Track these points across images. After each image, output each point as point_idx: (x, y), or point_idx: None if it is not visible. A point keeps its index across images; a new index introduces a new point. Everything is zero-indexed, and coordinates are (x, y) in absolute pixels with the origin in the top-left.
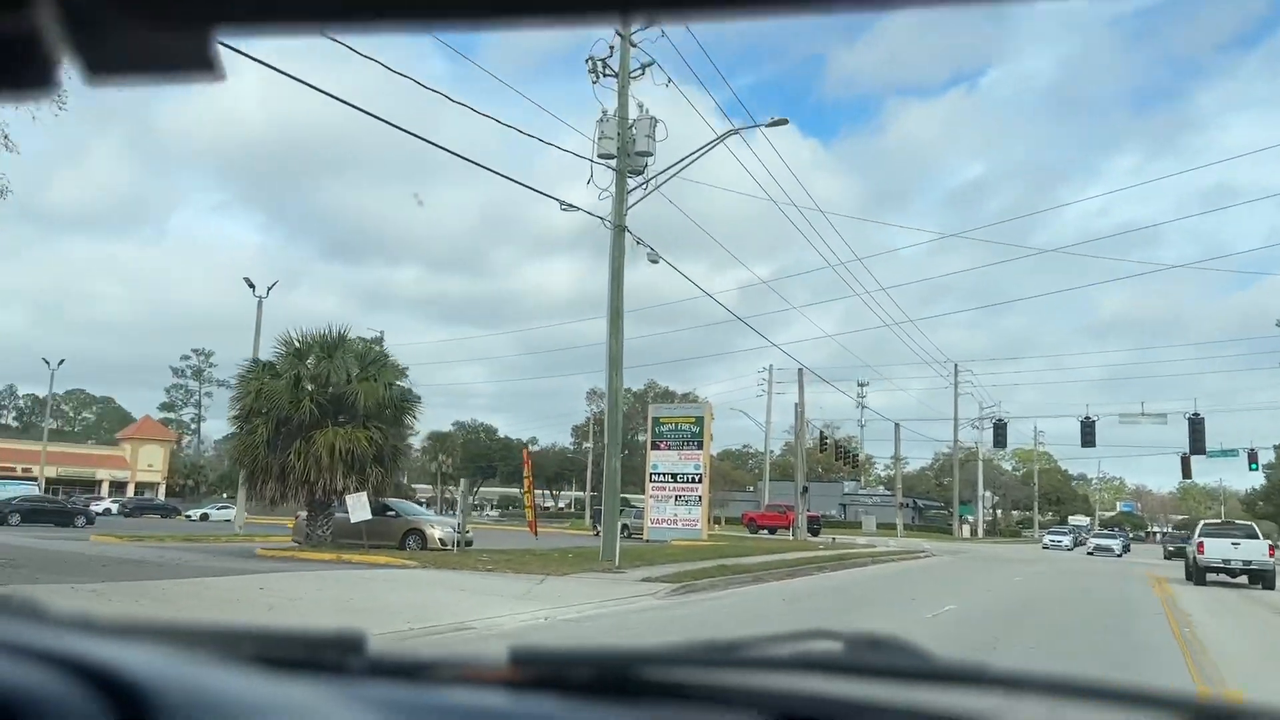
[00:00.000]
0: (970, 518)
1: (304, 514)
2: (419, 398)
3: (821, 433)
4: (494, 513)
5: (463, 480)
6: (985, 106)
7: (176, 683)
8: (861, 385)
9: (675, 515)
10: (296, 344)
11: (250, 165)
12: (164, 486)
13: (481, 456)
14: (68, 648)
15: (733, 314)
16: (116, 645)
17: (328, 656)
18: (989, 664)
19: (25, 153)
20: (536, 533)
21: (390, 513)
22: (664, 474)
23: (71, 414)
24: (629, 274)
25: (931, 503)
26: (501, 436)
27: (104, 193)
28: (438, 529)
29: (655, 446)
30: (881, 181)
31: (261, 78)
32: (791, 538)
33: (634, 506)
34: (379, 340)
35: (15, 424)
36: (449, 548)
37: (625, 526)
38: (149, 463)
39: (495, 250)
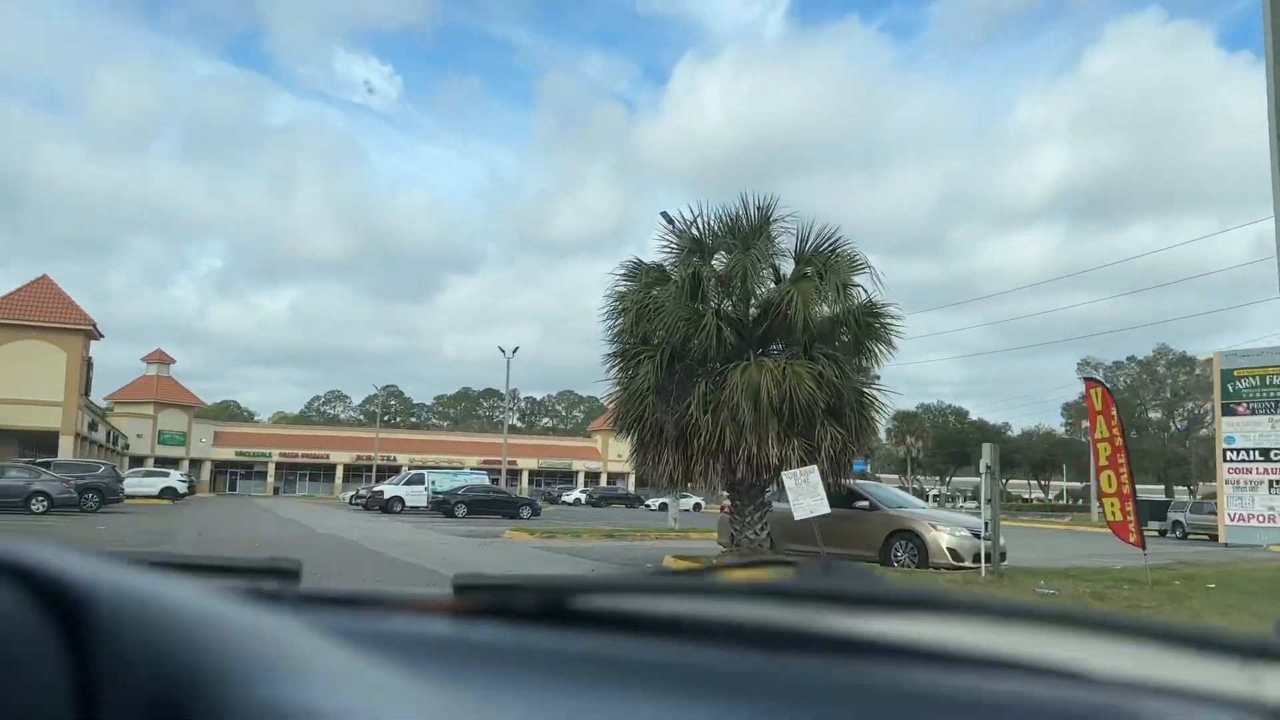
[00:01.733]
0: None
1: (727, 502)
2: (897, 312)
3: None
4: (970, 504)
5: (985, 447)
6: None
7: (117, 587)
8: None
9: (1271, 510)
10: (695, 232)
11: (716, 175)
12: (633, 476)
13: (951, 441)
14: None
15: None
16: (50, 551)
17: (264, 584)
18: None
19: (530, 193)
20: (1143, 542)
21: (861, 503)
22: (1246, 451)
23: (563, 412)
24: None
25: None
26: (975, 419)
27: (595, 218)
28: (945, 532)
29: (1229, 412)
30: None
31: (723, 93)
32: None
33: (1190, 500)
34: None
35: (520, 424)
36: (965, 563)
37: (1177, 524)
38: (618, 453)
39: (955, 229)
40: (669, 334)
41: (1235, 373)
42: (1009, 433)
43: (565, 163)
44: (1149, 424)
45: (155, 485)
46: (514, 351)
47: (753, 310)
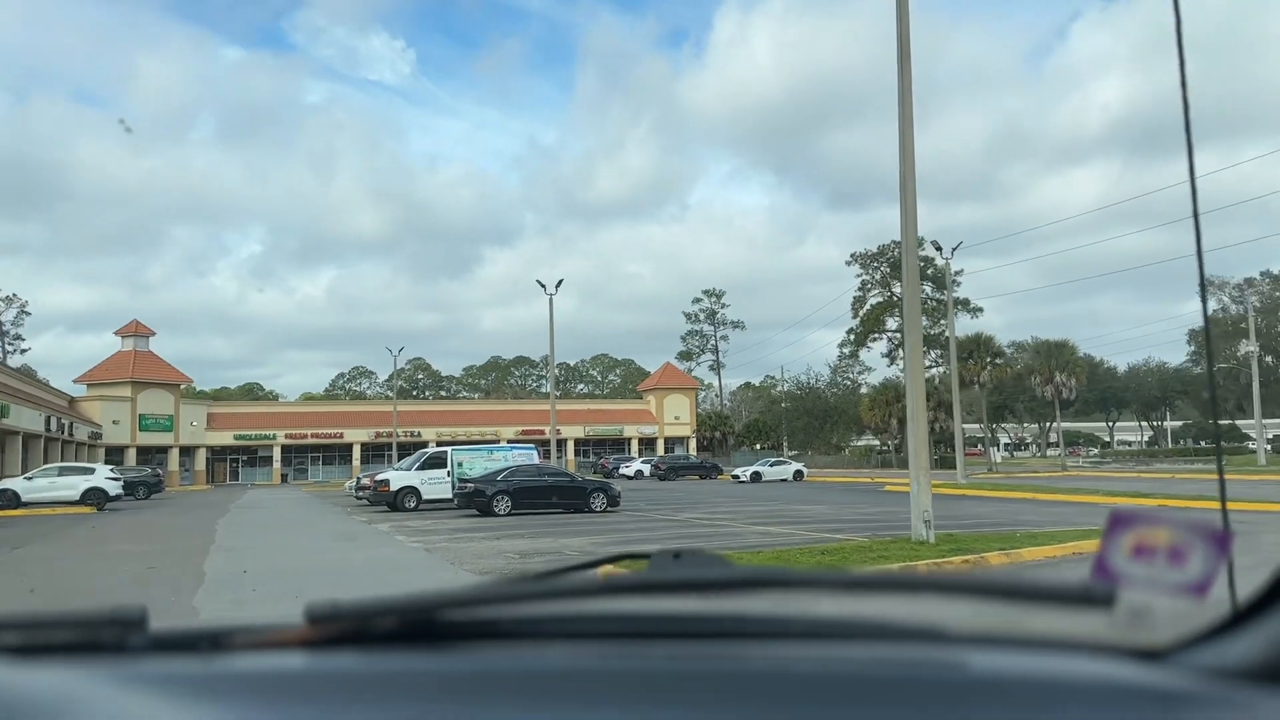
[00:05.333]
0: None
1: None
2: None
3: None
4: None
5: None
6: None
7: None
8: None
9: None
10: None
11: (762, 127)
12: (693, 441)
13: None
14: None
15: None
16: None
17: (105, 636)
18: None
19: (569, 158)
20: None
21: None
22: None
23: (599, 377)
24: None
25: None
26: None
27: (634, 180)
28: None
29: None
30: None
31: (768, 40)
32: None
33: None
34: None
35: (556, 393)
36: None
37: None
38: (675, 414)
39: (1006, 170)
40: None
41: None
42: (1106, 364)
43: (602, 125)
44: None
45: (75, 488)
46: (558, 286)
47: None
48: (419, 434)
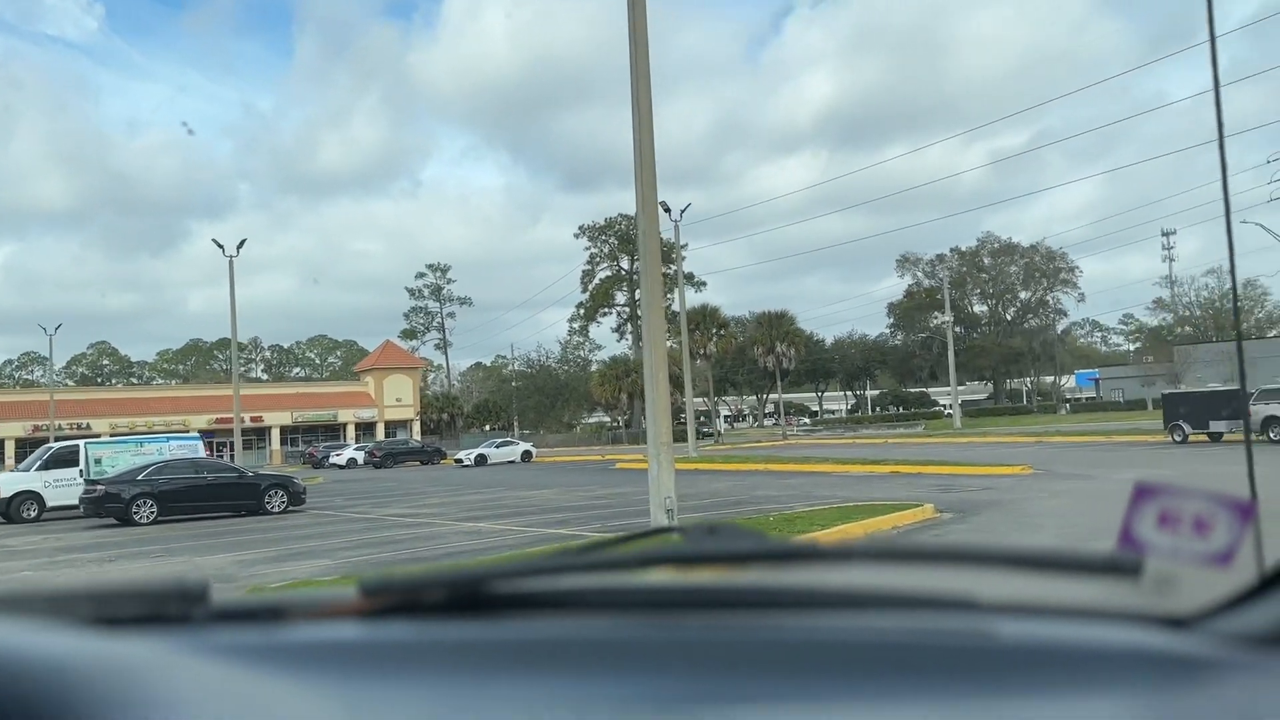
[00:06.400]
0: None
1: None
2: None
3: None
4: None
5: None
6: None
7: None
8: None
9: None
10: None
11: (495, 104)
12: (417, 424)
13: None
14: None
15: None
16: None
17: (170, 609)
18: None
19: (292, 123)
20: None
21: None
22: None
23: (317, 360)
24: None
25: None
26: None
27: (364, 153)
28: None
29: None
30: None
31: (501, 16)
32: None
33: None
34: None
35: (265, 376)
36: None
37: (1273, 421)
38: (397, 396)
39: (726, 157)
40: None
41: None
42: (824, 335)
43: (325, 94)
44: (978, 319)
45: None
46: (240, 247)
47: None
48: (89, 426)
